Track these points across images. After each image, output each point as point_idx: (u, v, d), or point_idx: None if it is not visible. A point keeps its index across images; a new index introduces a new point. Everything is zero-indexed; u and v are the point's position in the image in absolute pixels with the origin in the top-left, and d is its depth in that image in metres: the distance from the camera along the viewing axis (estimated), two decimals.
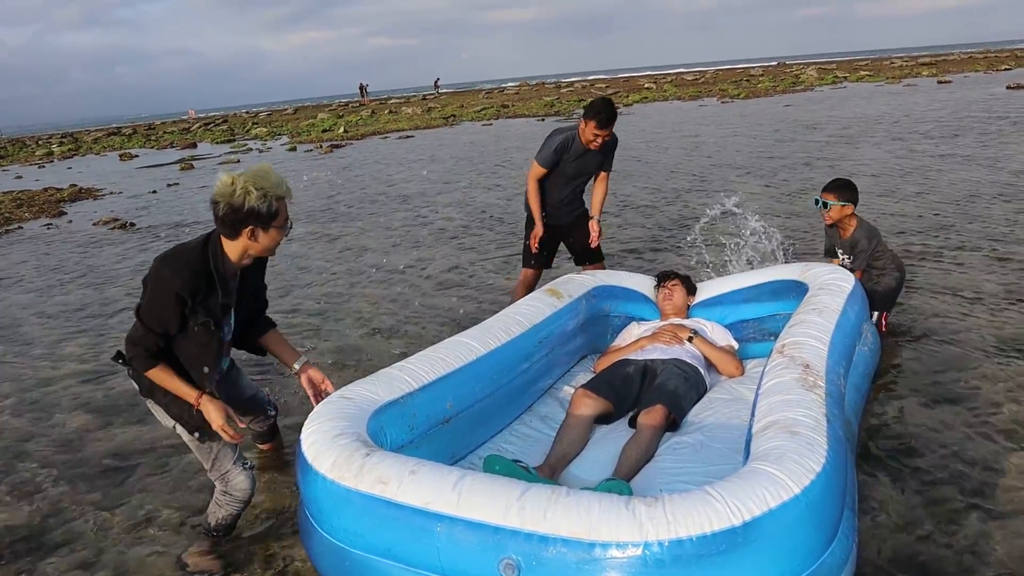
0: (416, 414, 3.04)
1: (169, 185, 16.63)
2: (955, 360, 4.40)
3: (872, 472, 3.35)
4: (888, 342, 4.66)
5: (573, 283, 4.38)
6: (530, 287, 5.46)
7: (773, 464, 2.19)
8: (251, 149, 24.81)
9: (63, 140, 40.62)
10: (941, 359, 4.44)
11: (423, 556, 2.23)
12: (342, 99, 71.46)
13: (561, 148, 5.17)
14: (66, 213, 13.91)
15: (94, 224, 12.17)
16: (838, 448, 2.40)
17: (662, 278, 4.56)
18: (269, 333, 3.20)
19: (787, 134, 15.71)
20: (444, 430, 3.19)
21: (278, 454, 3.93)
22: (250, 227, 2.68)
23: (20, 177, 22.34)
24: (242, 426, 2.90)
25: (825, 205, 4.74)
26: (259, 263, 2.99)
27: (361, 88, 60.96)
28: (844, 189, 4.74)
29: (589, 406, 3.55)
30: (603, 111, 4.94)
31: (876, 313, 4.75)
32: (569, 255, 5.75)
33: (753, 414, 2.69)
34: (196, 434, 2.92)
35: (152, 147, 31.14)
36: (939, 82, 28.21)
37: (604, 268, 5.61)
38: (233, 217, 2.65)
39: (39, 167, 26.32)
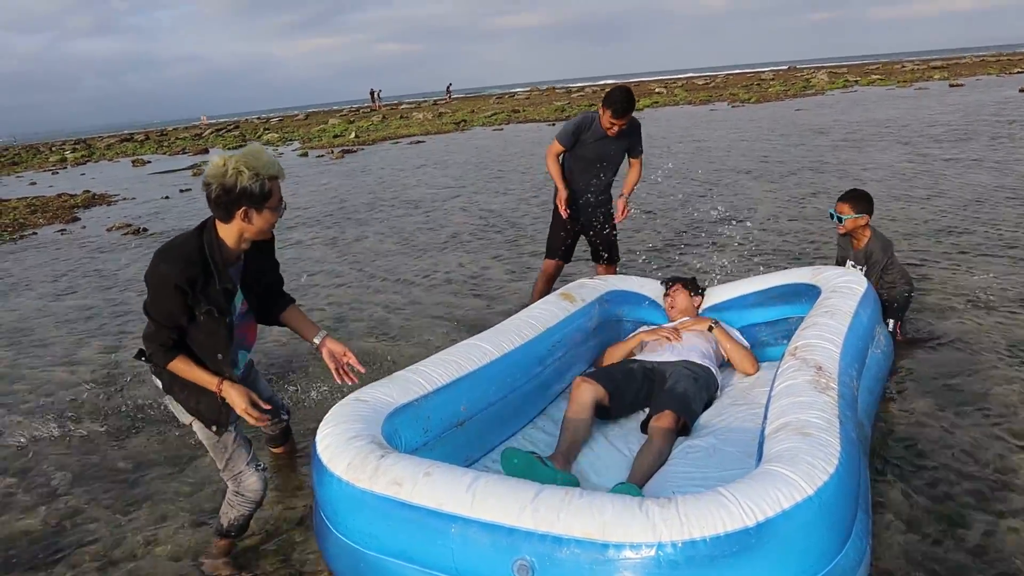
0: (430, 417, 3.05)
1: (181, 191, 16.72)
2: (967, 363, 4.39)
3: (884, 474, 3.34)
4: (900, 345, 4.65)
5: (586, 288, 4.40)
6: (551, 279, 5.64)
7: (786, 465, 2.19)
8: None
9: (76, 146, 40.88)
10: (953, 362, 4.42)
11: (437, 557, 2.25)
12: (353, 105, 71.67)
13: (578, 128, 5.29)
14: (80, 219, 14.01)
15: (107, 230, 12.25)
16: (851, 449, 2.40)
17: (666, 284, 4.60)
18: (289, 309, 3.20)
19: (796, 138, 15.68)
20: (458, 433, 3.20)
21: (291, 458, 3.95)
22: (243, 208, 2.65)
23: (34, 183, 22.50)
24: (266, 408, 2.87)
25: (839, 218, 4.72)
26: (262, 245, 2.96)
27: (372, 93, 61.13)
28: (858, 200, 4.71)
29: (587, 391, 3.58)
30: (620, 100, 5.04)
31: (892, 322, 4.74)
32: (586, 257, 5.81)
33: (766, 416, 2.69)
34: (213, 427, 2.92)
35: (164, 153, 31.32)
36: (951, 85, 28.11)
37: (616, 272, 5.66)
38: (226, 199, 2.62)
39: (53, 173, 26.49)
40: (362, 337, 5.83)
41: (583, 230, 5.63)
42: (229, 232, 2.73)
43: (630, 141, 5.40)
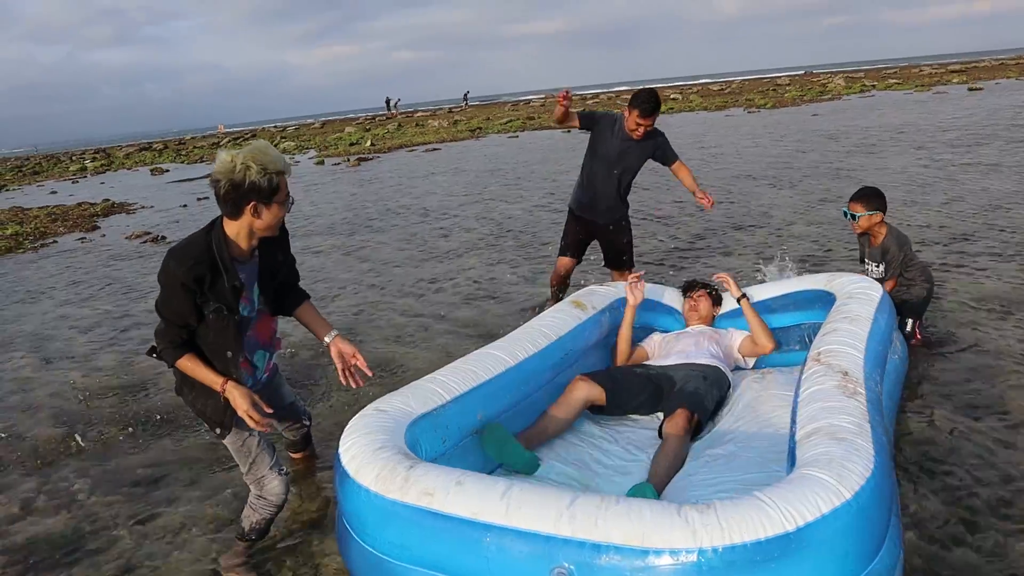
0: (448, 426, 3.05)
1: (199, 199, 16.82)
2: (985, 369, 4.33)
3: (902, 480, 3.30)
4: (918, 351, 4.61)
5: (597, 295, 4.38)
6: (561, 277, 5.76)
7: (823, 470, 2.16)
8: None
9: (96, 156, 41.26)
10: (971, 368, 4.37)
11: (472, 567, 2.22)
12: (369, 113, 72.04)
13: (602, 116, 5.34)
14: (99, 227, 14.12)
15: (127, 238, 12.33)
16: (883, 454, 2.37)
17: (688, 288, 4.57)
18: (303, 306, 3.20)
19: (811, 144, 15.59)
20: (475, 441, 3.20)
21: (311, 463, 3.95)
22: (252, 203, 2.66)
23: (55, 192, 22.71)
24: (268, 411, 2.87)
25: (854, 217, 4.70)
26: (278, 241, 2.96)
27: (388, 101, 61.44)
28: (871, 198, 4.69)
29: (581, 389, 3.63)
30: (647, 100, 5.07)
31: (911, 321, 4.71)
32: (600, 263, 5.81)
33: (794, 421, 2.66)
34: (217, 430, 2.94)
35: (182, 162, 31.56)
36: (970, 89, 27.89)
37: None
38: (235, 194, 2.63)
39: (73, 182, 26.75)
40: (377, 343, 5.82)
41: (596, 232, 5.64)
42: (238, 228, 2.74)
43: (655, 150, 5.40)
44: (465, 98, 61.99)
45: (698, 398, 3.58)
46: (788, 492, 2.06)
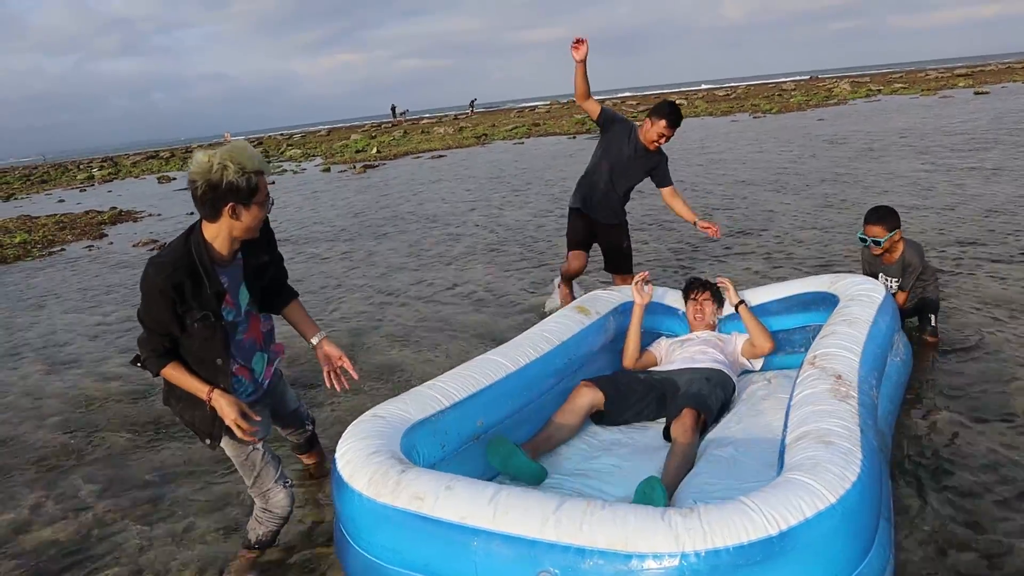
0: (447, 432, 3.06)
1: None
2: (991, 373, 4.34)
3: (906, 484, 3.32)
4: (927, 351, 4.62)
5: (600, 300, 4.40)
6: (576, 270, 5.72)
7: (808, 474, 2.19)
8: (286, 171, 25.14)
9: (103, 164, 41.48)
10: (976, 371, 4.38)
11: (460, 571, 2.25)
12: (375, 120, 72.17)
13: (622, 120, 5.37)
14: (107, 235, 14.20)
15: (134, 246, 12.40)
16: (873, 458, 2.38)
17: (691, 288, 4.54)
18: (291, 304, 3.13)
19: (815, 149, 15.57)
20: (475, 447, 3.22)
21: (320, 467, 3.93)
22: (230, 204, 2.58)
23: (63, 201, 22.86)
24: (257, 419, 2.80)
25: (876, 242, 4.59)
26: (258, 242, 2.86)
27: (393, 109, 61.55)
28: (887, 218, 4.59)
29: (585, 395, 3.66)
30: (674, 112, 5.18)
31: (933, 316, 4.76)
32: (600, 267, 5.84)
33: (786, 425, 2.68)
34: (207, 441, 2.88)
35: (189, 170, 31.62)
36: (976, 93, 27.82)
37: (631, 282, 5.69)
38: (212, 195, 2.55)
39: (80, 191, 26.90)
40: (381, 350, 5.85)
41: (598, 230, 5.68)
42: (217, 231, 2.66)
43: (655, 167, 5.45)
44: (471, 106, 61.93)
45: (702, 398, 3.60)
46: (772, 496, 2.09)
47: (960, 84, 34.60)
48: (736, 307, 4.24)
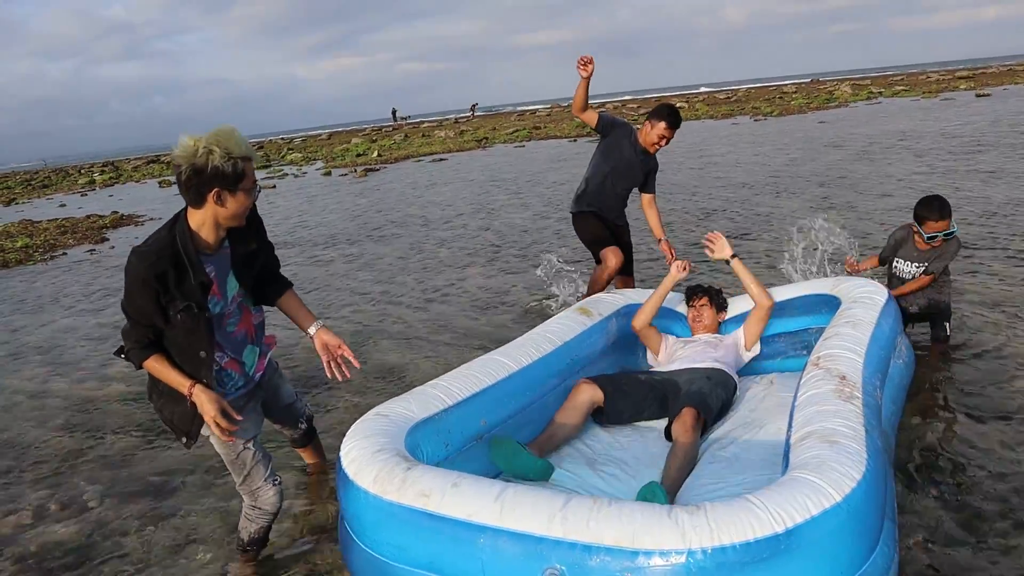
0: (451, 431, 3.07)
1: None
2: (995, 374, 4.35)
3: (910, 485, 3.32)
4: (930, 358, 4.63)
5: (603, 302, 4.41)
6: (615, 266, 5.41)
7: (814, 472, 2.19)
8: (287, 174, 25.17)
9: (104, 168, 41.49)
10: (981, 373, 4.39)
11: (466, 568, 2.25)
12: (375, 124, 72.29)
13: (621, 124, 5.36)
14: (108, 239, 14.23)
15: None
16: (877, 457, 2.39)
17: (691, 295, 4.53)
18: (286, 295, 3.05)
19: (815, 152, 15.55)
20: (479, 447, 3.23)
21: (318, 467, 3.91)
22: (215, 190, 2.52)
23: (64, 205, 22.90)
24: (238, 419, 2.74)
25: (949, 235, 4.51)
26: (246, 231, 2.79)
27: (394, 113, 61.64)
28: (947, 207, 4.50)
29: (584, 392, 3.66)
30: (672, 113, 5.20)
31: (947, 324, 4.73)
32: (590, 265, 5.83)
33: (791, 425, 2.69)
34: (184, 439, 2.81)
35: None
36: (977, 95, 27.83)
37: (633, 284, 5.68)
38: (197, 180, 2.49)
39: (81, 195, 26.94)
40: (383, 351, 5.86)
41: (612, 230, 5.62)
42: (202, 219, 2.61)
43: (651, 172, 5.47)
44: (472, 110, 61.90)
45: (702, 397, 3.61)
46: (778, 494, 2.09)
47: (961, 86, 34.59)
48: (728, 260, 4.20)
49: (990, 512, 3.08)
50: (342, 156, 30.38)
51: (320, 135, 56.65)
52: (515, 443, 3.16)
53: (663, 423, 3.75)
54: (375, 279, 8.45)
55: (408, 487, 2.40)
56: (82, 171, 42.10)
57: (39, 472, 4.41)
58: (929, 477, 3.37)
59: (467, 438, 3.16)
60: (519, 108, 71.90)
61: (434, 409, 3.04)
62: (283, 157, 34.39)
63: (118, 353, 2.81)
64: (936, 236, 4.52)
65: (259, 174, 26.39)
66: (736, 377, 4.03)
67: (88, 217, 17.72)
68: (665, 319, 4.57)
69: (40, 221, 17.89)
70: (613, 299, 4.50)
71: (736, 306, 4.53)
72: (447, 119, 60.24)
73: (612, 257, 5.41)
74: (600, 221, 5.57)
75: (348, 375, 2.97)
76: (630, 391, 3.79)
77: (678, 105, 39.59)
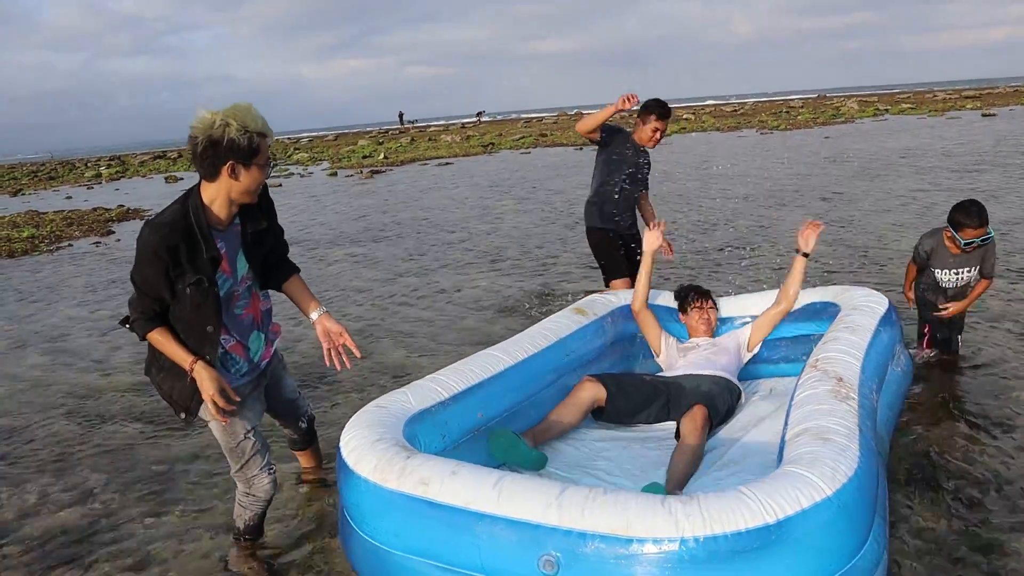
0: (448, 423, 3.12)
1: None
2: (993, 386, 4.39)
3: (907, 493, 3.35)
4: (927, 368, 4.67)
5: (598, 303, 4.47)
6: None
7: (806, 467, 2.24)
8: (293, 174, 25.24)
9: (111, 163, 41.60)
10: (980, 385, 4.43)
11: (464, 555, 2.30)
12: (382, 126, 72.39)
13: (619, 130, 5.35)
14: (114, 232, 14.30)
15: None
16: (870, 456, 2.44)
17: (688, 297, 4.48)
18: (292, 279, 3.06)
19: (818, 166, 15.61)
20: (476, 439, 3.27)
21: (314, 472, 3.86)
22: (230, 163, 2.55)
23: (70, 197, 22.97)
24: (236, 399, 2.75)
25: (985, 240, 4.41)
26: (257, 209, 2.82)
27: (401, 116, 61.77)
28: (985, 213, 4.37)
29: (586, 389, 3.69)
30: (661, 105, 5.20)
31: (960, 338, 4.72)
32: (598, 275, 5.83)
33: (786, 423, 2.74)
34: (182, 415, 2.82)
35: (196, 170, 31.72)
36: (983, 115, 27.88)
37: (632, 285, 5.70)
38: (212, 152, 2.53)
39: (88, 188, 27.03)
40: (387, 351, 5.90)
41: (624, 240, 5.61)
42: (215, 192, 2.63)
43: (648, 170, 5.48)
44: (478, 116, 61.79)
45: (711, 398, 3.66)
46: (770, 486, 2.14)
47: (968, 106, 34.63)
48: (806, 254, 4.13)
49: (990, 525, 3.10)
50: (348, 157, 30.44)
51: (326, 136, 56.75)
52: (512, 434, 3.22)
53: (661, 427, 3.79)
54: (378, 279, 8.50)
55: (408, 475, 2.44)
56: (88, 164, 42.21)
57: (43, 458, 4.44)
58: (928, 487, 3.40)
59: (464, 430, 3.21)
60: (524, 116, 71.91)
61: (431, 401, 3.09)
62: (289, 157, 34.46)
63: (123, 323, 2.81)
64: (973, 242, 4.40)
65: None
66: (739, 384, 4.05)
67: (94, 210, 17.80)
68: (661, 321, 4.61)
69: (46, 212, 17.98)
70: (609, 299, 4.56)
71: (735, 307, 4.58)
72: (454, 124, 60.31)
73: (621, 288, 5.42)
74: (616, 242, 5.55)
75: (348, 365, 2.96)
76: (633, 392, 3.81)
77: (684, 117, 39.71)
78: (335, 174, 23.71)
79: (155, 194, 22.07)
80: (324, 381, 5.27)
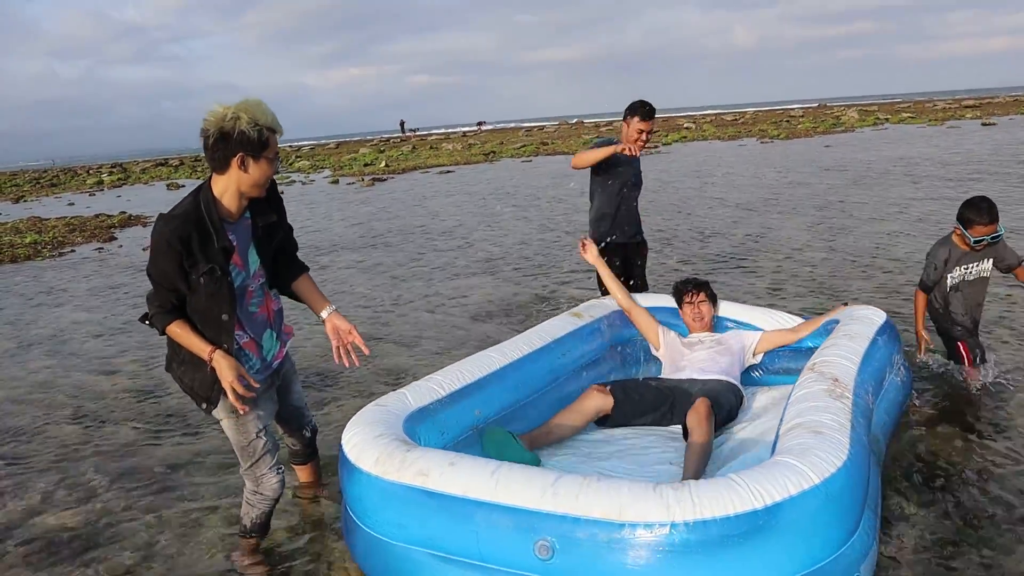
0: (446, 420, 3.19)
1: None
2: (991, 389, 4.43)
3: (906, 496, 3.38)
4: (927, 373, 4.70)
5: (594, 307, 4.55)
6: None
7: (796, 457, 2.30)
8: (294, 181, 25.33)
9: (113, 170, 41.67)
10: (978, 390, 4.45)
11: (463, 542, 2.36)
12: (383, 135, 72.52)
13: (607, 140, 5.23)
14: (116, 238, 14.37)
15: (143, 249, 12.51)
16: (860, 450, 2.49)
17: (682, 291, 4.51)
18: (301, 278, 3.11)
19: (817, 175, 15.64)
20: (474, 437, 3.33)
21: (313, 488, 3.76)
22: (240, 155, 2.62)
23: (72, 204, 23.07)
24: (256, 385, 2.80)
25: (995, 238, 4.34)
26: (267, 203, 2.88)
27: (402, 124, 61.94)
28: (995, 209, 4.32)
29: (593, 398, 3.73)
30: (644, 105, 5.08)
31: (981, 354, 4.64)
32: (586, 281, 5.81)
33: (782, 419, 2.79)
34: (204, 405, 2.87)
35: (198, 178, 31.79)
36: (983, 124, 27.94)
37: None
38: (223, 144, 2.60)
39: (90, 195, 27.11)
40: (387, 355, 5.95)
41: (628, 254, 5.47)
42: (225, 185, 2.70)
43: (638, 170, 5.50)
44: (479, 127, 61.83)
45: (715, 394, 3.70)
46: (759, 474, 2.21)
47: (968, 115, 34.70)
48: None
49: (988, 527, 3.13)
50: (350, 165, 30.53)
51: (328, 144, 56.88)
52: (507, 433, 3.27)
53: (662, 429, 3.83)
54: (380, 285, 8.55)
55: (408, 467, 2.51)
56: (90, 171, 42.31)
57: (47, 460, 4.48)
58: (926, 490, 3.43)
59: (462, 428, 3.28)
60: (525, 124, 72.05)
61: (428, 399, 3.17)
62: (291, 165, 34.55)
63: (143, 319, 2.87)
64: (983, 240, 4.32)
65: None
66: (742, 387, 4.08)
67: (97, 216, 17.87)
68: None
69: (49, 219, 18.05)
70: (605, 303, 4.62)
71: (743, 313, 4.62)
72: (455, 132, 60.47)
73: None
74: (612, 256, 5.30)
75: (356, 362, 2.99)
76: (639, 399, 3.85)
77: (685, 126, 39.75)
78: (336, 182, 23.79)
79: (157, 201, 22.13)
80: (324, 385, 5.32)
